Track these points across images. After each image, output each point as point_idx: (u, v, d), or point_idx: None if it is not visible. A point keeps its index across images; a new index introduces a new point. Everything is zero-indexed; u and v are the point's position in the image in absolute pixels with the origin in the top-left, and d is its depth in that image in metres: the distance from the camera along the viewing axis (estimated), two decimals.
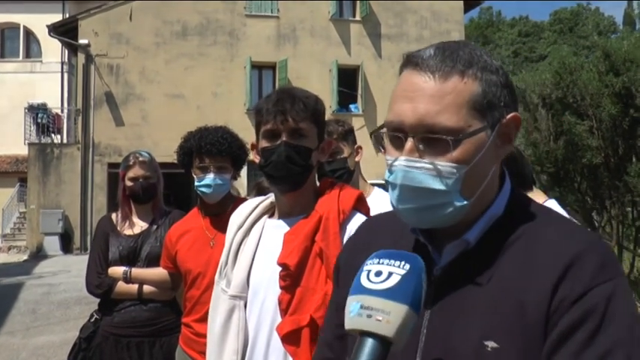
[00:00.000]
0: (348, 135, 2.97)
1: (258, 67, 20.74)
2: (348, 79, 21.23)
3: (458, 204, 1.10)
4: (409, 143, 1.09)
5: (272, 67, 20.84)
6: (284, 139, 1.92)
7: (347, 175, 2.90)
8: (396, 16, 21.82)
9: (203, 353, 2.80)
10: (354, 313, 1.03)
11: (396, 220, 1.27)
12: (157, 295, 3.33)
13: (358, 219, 1.95)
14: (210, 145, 2.89)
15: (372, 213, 2.07)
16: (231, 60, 20.50)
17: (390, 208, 2.16)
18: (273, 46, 20.77)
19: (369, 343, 1.01)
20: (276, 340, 1.91)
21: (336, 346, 1.33)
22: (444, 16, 22.25)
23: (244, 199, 3.35)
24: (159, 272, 3.28)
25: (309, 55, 20.84)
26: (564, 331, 1.00)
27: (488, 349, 1.04)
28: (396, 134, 1.12)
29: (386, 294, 1.01)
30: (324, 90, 20.38)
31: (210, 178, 2.92)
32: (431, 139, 1.08)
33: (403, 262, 1.04)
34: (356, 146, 2.99)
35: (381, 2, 21.62)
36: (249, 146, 2.37)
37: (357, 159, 3.00)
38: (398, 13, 21.82)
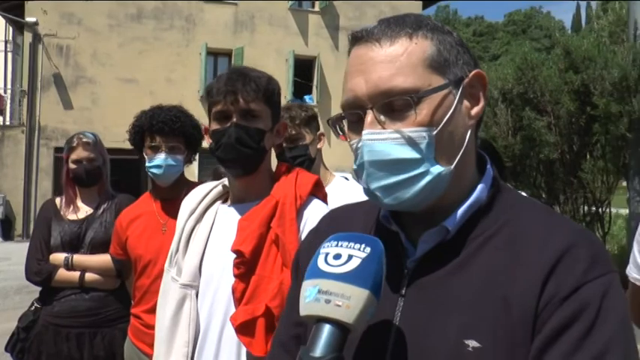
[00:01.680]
0: (311, 121, 2.89)
1: (213, 54, 20.45)
2: (304, 70, 21.17)
3: (435, 172, 1.00)
4: (369, 116, 1.01)
5: (228, 54, 20.59)
6: (234, 120, 1.84)
7: (308, 162, 2.81)
8: (355, 9, 21.86)
9: (153, 346, 2.71)
10: (311, 298, 0.95)
11: (360, 212, 1.22)
12: (101, 284, 3.16)
13: (315, 205, 1.91)
14: (162, 124, 2.77)
15: (331, 201, 2.01)
16: (187, 45, 20.13)
17: (351, 196, 2.05)
18: (230, 33, 20.51)
19: (327, 330, 0.94)
20: (230, 330, 1.83)
21: (293, 346, 1.22)
22: (403, 11, 21.62)
23: (199, 184, 3.23)
24: (102, 259, 3.13)
25: (266, 44, 20.68)
26: (555, 330, 0.92)
27: (469, 348, 0.95)
28: (355, 111, 1.04)
29: (346, 277, 0.94)
30: (280, 80, 19.68)
31: (161, 158, 2.80)
32: (390, 106, 1.00)
33: (363, 245, 0.97)
34: (318, 133, 2.91)
35: None
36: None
37: (319, 146, 2.93)
38: (357, 6, 21.87)
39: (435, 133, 1.00)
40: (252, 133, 1.86)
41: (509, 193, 1.10)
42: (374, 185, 1.02)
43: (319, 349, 0.93)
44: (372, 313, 0.95)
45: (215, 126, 1.89)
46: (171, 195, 2.89)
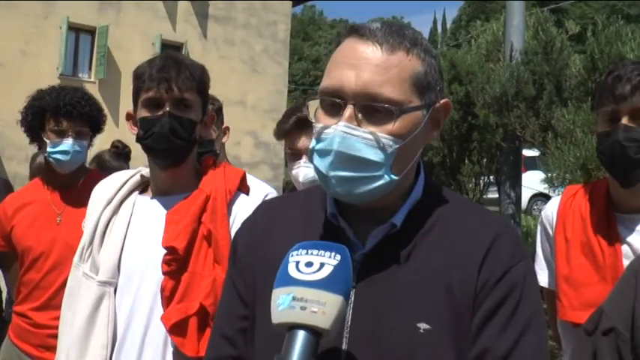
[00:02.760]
0: (218, 114, 2.76)
1: (75, 30, 19.16)
2: None
3: (387, 179, 1.10)
4: (349, 110, 1.07)
5: (91, 31, 19.38)
6: (167, 109, 1.77)
7: (214, 158, 2.79)
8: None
9: (43, 347, 2.51)
10: (285, 306, 0.98)
11: (295, 204, 1.28)
12: None
13: (242, 200, 1.89)
14: (71, 106, 2.57)
15: None
16: (46, 17, 18.63)
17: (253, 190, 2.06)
18: (94, 9, 19.31)
19: (302, 336, 0.97)
20: (154, 331, 1.76)
21: (239, 340, 1.22)
22: (273, 7, 22.46)
23: (98, 172, 3.08)
24: None
25: (132, 25, 19.74)
26: (491, 308, 1.09)
27: (421, 330, 1.07)
28: (335, 100, 1.09)
29: (320, 284, 0.99)
30: None
31: (68, 143, 2.59)
32: (371, 109, 1.08)
33: (334, 253, 1.03)
34: (223, 127, 2.84)
35: None
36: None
37: (224, 140, 2.87)
38: None
39: (400, 145, 1.09)
40: (185, 123, 1.80)
41: (440, 190, 1.23)
42: (332, 173, 1.09)
43: (295, 356, 0.95)
44: (344, 317, 1.02)
45: (145, 113, 1.80)
46: (68, 182, 2.70)
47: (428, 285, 1.10)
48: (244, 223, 1.34)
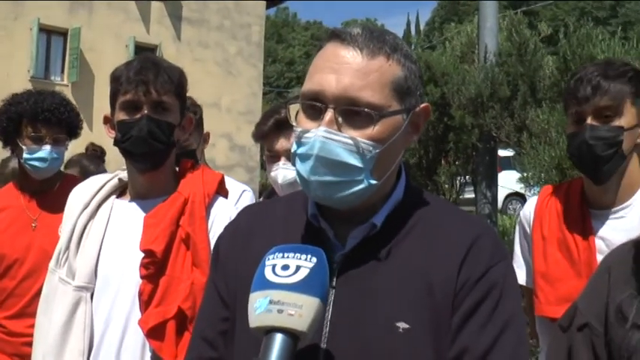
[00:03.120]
0: (199, 123, 2.73)
1: (47, 32, 18.90)
2: None
3: (368, 183, 1.11)
4: (329, 114, 1.08)
5: (63, 33, 19.15)
6: (146, 112, 1.76)
7: (192, 161, 2.75)
8: (198, 0, 21.47)
9: (18, 356, 2.48)
10: (262, 310, 0.99)
11: (279, 208, 1.28)
12: None
13: (220, 203, 1.90)
14: (49, 113, 2.52)
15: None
16: (15, 18, 18.33)
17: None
18: (65, 10, 19.05)
19: (280, 339, 0.97)
20: (132, 336, 1.74)
21: (219, 342, 1.22)
22: (247, 8, 22.42)
23: (74, 176, 3.05)
24: None
25: (105, 27, 19.53)
26: (471, 307, 1.10)
27: (400, 330, 1.07)
28: (315, 104, 1.10)
29: (296, 287, 1.00)
30: None
31: (46, 150, 2.54)
32: (351, 113, 1.09)
33: (310, 256, 1.04)
34: (204, 133, 2.82)
35: None
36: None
37: (205, 147, 2.86)
38: None
39: (380, 150, 1.10)
40: (163, 126, 1.79)
41: (420, 192, 1.24)
42: (313, 177, 1.09)
43: (273, 359, 0.96)
44: (321, 319, 1.03)
45: (123, 116, 1.79)
46: (44, 187, 2.66)
47: (407, 285, 1.10)
48: (227, 228, 1.34)
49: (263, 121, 2.38)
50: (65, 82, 18.70)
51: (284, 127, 2.29)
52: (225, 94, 20.97)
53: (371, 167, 1.10)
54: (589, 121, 1.95)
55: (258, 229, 1.24)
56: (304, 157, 1.10)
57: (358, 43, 1.10)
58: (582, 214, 2.07)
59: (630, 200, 2.03)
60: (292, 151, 1.13)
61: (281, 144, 2.31)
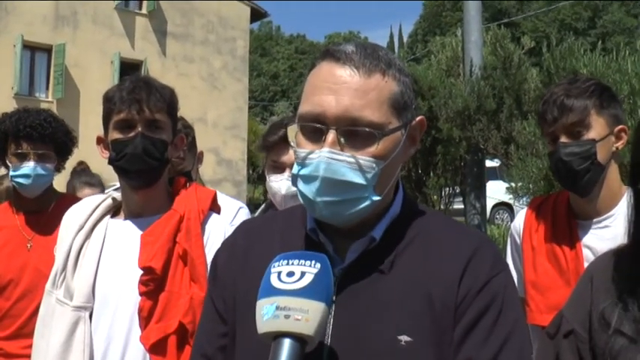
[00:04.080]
0: (192, 144, 2.73)
1: (31, 48, 18.80)
2: (131, 74, 20.22)
3: (371, 199, 1.12)
4: (331, 135, 1.09)
5: (48, 50, 19.05)
6: (140, 130, 1.80)
7: (186, 178, 2.73)
8: (183, 15, 21.46)
9: None
10: (270, 316, 1.01)
11: (275, 224, 1.29)
12: None
13: (214, 219, 1.93)
14: (31, 129, 2.51)
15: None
16: None
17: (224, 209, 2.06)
18: (50, 27, 18.98)
19: (288, 344, 1.00)
20: (133, 352, 1.77)
21: (219, 358, 1.24)
22: (231, 22, 22.49)
23: (71, 196, 3.05)
24: None
25: (90, 43, 19.47)
26: (473, 319, 1.10)
27: (402, 343, 1.07)
28: (316, 125, 1.11)
29: (302, 293, 1.02)
30: (105, 82, 19.09)
31: (29, 167, 2.53)
32: (352, 132, 1.10)
33: (314, 262, 1.06)
34: (198, 152, 2.82)
35: (169, 0, 21.10)
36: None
37: (199, 166, 2.87)
38: (185, 13, 21.47)
39: (383, 166, 1.11)
40: (157, 144, 1.83)
41: (417, 206, 1.26)
42: (319, 198, 1.10)
43: None
44: (326, 324, 1.05)
45: (117, 135, 1.82)
46: (39, 207, 2.65)
47: (408, 297, 1.11)
48: (224, 243, 1.35)
49: (272, 132, 2.36)
50: (50, 98, 18.59)
51: None
52: (211, 108, 20.96)
53: (374, 184, 1.11)
54: (562, 139, 2.04)
55: (256, 245, 1.25)
56: (309, 179, 1.10)
57: (354, 62, 1.11)
58: (569, 224, 2.14)
59: (614, 210, 2.09)
60: (294, 172, 1.14)
61: (289, 156, 2.32)
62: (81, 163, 4.09)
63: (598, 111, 2.04)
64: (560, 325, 1.36)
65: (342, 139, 1.09)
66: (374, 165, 1.10)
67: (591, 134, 2.03)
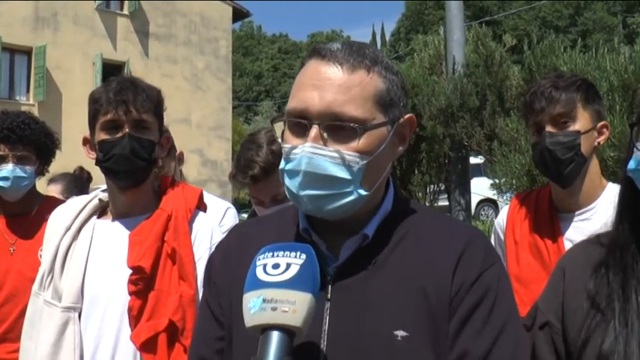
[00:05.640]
0: (172, 150, 2.68)
1: (10, 50, 18.59)
2: (113, 75, 20.04)
3: (358, 194, 1.13)
4: (314, 130, 1.11)
5: (28, 52, 18.86)
6: (127, 130, 1.81)
7: (172, 177, 2.71)
8: (165, 16, 21.35)
9: None
10: (257, 309, 1.01)
11: (269, 224, 1.31)
12: None
13: (201, 218, 1.95)
14: (9, 131, 2.51)
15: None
16: None
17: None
18: (29, 28, 18.78)
19: (276, 337, 1.00)
20: (123, 352, 1.79)
21: None
22: (213, 23, 22.43)
23: (54, 198, 3.02)
24: None
25: (71, 45, 19.31)
26: (467, 311, 1.11)
27: (399, 338, 1.08)
28: (300, 121, 1.12)
29: (288, 284, 1.02)
30: (87, 84, 19.03)
31: (7, 169, 2.51)
32: (335, 127, 1.11)
33: (299, 253, 1.06)
34: (177, 153, 2.80)
35: (151, 1, 20.99)
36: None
37: (180, 167, 2.87)
38: (167, 13, 21.37)
39: (367, 161, 1.12)
40: (145, 144, 1.84)
41: (408, 202, 1.28)
42: (303, 192, 1.12)
43: (272, 356, 0.98)
44: (314, 315, 1.03)
45: (104, 136, 1.83)
46: (21, 210, 2.63)
47: (403, 293, 1.12)
48: (219, 246, 1.36)
49: (241, 170, 2.26)
50: (31, 101, 18.41)
51: None
52: (195, 109, 20.89)
53: (360, 179, 1.12)
54: (547, 129, 2.09)
55: (250, 245, 1.24)
56: (293, 174, 1.12)
57: (338, 59, 1.12)
58: (551, 217, 2.18)
59: (594, 203, 2.14)
60: (280, 167, 1.16)
61: (267, 191, 2.22)
62: (82, 173, 4.02)
63: (584, 105, 2.09)
64: (536, 316, 1.38)
65: (325, 134, 1.11)
66: (357, 160, 1.11)
67: (577, 126, 2.08)
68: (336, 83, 1.11)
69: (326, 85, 1.11)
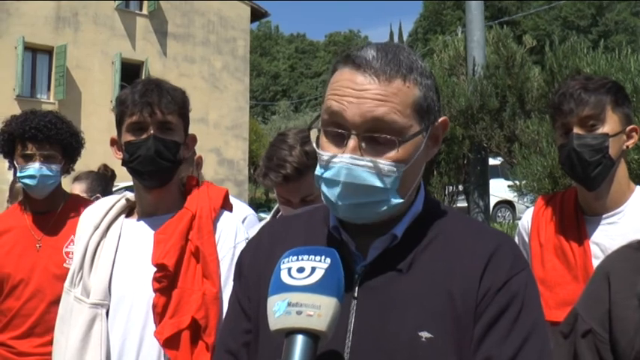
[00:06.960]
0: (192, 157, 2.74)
1: (32, 50, 18.82)
2: (132, 75, 20.31)
3: (394, 201, 1.14)
4: (352, 141, 1.11)
5: (49, 51, 19.07)
6: (152, 132, 1.84)
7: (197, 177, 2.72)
8: (183, 15, 21.48)
9: None
10: (282, 312, 1.01)
11: (299, 224, 1.31)
12: None
13: (227, 217, 1.97)
14: (36, 130, 2.55)
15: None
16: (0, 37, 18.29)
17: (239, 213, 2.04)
18: (50, 28, 19.01)
19: (301, 340, 0.99)
20: (148, 347, 1.82)
21: (243, 354, 1.26)
22: (231, 22, 22.51)
23: (79, 197, 3.07)
24: None
25: (91, 44, 19.51)
26: (493, 317, 1.10)
27: (423, 339, 1.09)
28: (338, 131, 1.13)
29: (314, 288, 1.02)
30: (106, 83, 19.29)
31: (34, 167, 2.56)
32: (373, 138, 1.11)
33: (323, 257, 1.06)
34: (196, 157, 2.82)
35: (169, 0, 21.12)
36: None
37: (199, 171, 2.87)
38: (185, 13, 21.49)
39: (404, 169, 1.13)
40: (169, 145, 1.87)
41: (439, 204, 1.28)
42: (342, 202, 1.13)
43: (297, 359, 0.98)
44: (338, 319, 1.03)
45: (130, 137, 1.86)
46: (48, 208, 2.68)
47: (429, 294, 1.12)
48: (249, 243, 1.38)
49: (272, 169, 2.22)
50: (52, 100, 18.64)
51: None
52: (213, 108, 20.99)
53: (397, 187, 1.13)
54: (575, 130, 2.07)
55: (280, 242, 1.25)
56: (331, 183, 1.13)
57: (375, 69, 1.12)
58: (577, 220, 2.16)
59: (622, 207, 2.12)
60: (317, 174, 1.16)
61: (296, 193, 2.18)
62: (105, 171, 4.06)
63: (613, 107, 2.07)
64: (575, 324, 1.35)
65: (362, 144, 1.11)
66: (394, 169, 1.12)
67: (605, 129, 2.06)
68: (374, 93, 1.11)
69: (363, 95, 1.11)
